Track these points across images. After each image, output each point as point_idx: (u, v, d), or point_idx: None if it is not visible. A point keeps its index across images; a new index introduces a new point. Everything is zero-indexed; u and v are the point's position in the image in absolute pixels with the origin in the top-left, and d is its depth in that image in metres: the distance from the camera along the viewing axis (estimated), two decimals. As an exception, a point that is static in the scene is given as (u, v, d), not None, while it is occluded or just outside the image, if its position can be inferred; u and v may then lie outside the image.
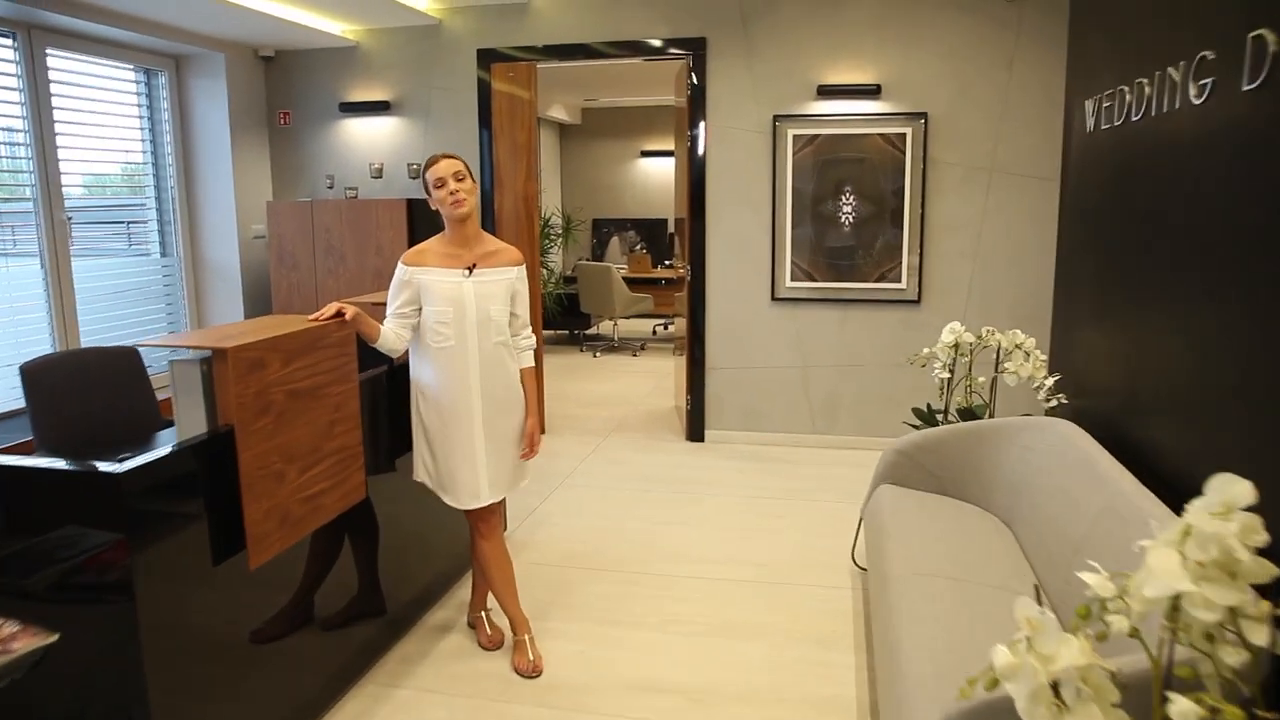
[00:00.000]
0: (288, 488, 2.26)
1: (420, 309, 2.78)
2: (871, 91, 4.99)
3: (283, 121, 5.72)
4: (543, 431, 4.54)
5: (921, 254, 5.10)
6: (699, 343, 5.45)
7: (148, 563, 1.87)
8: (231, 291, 5.54)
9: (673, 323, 9.77)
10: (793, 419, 5.42)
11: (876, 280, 5.18)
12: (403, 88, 5.55)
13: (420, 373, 2.85)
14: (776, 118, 5.13)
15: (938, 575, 2.58)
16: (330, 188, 5.51)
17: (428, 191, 2.76)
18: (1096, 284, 3.35)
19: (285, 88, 5.69)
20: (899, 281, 5.16)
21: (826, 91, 5.04)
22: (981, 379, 3.71)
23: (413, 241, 5.26)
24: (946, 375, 3.67)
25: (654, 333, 10.12)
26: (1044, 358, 3.61)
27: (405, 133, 5.59)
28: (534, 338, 2.99)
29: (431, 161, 2.74)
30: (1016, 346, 3.64)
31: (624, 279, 9.05)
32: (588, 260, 10.72)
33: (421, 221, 5.36)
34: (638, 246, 11.62)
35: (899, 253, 5.13)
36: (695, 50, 5.16)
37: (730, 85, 5.17)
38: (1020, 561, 2.79)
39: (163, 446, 2.00)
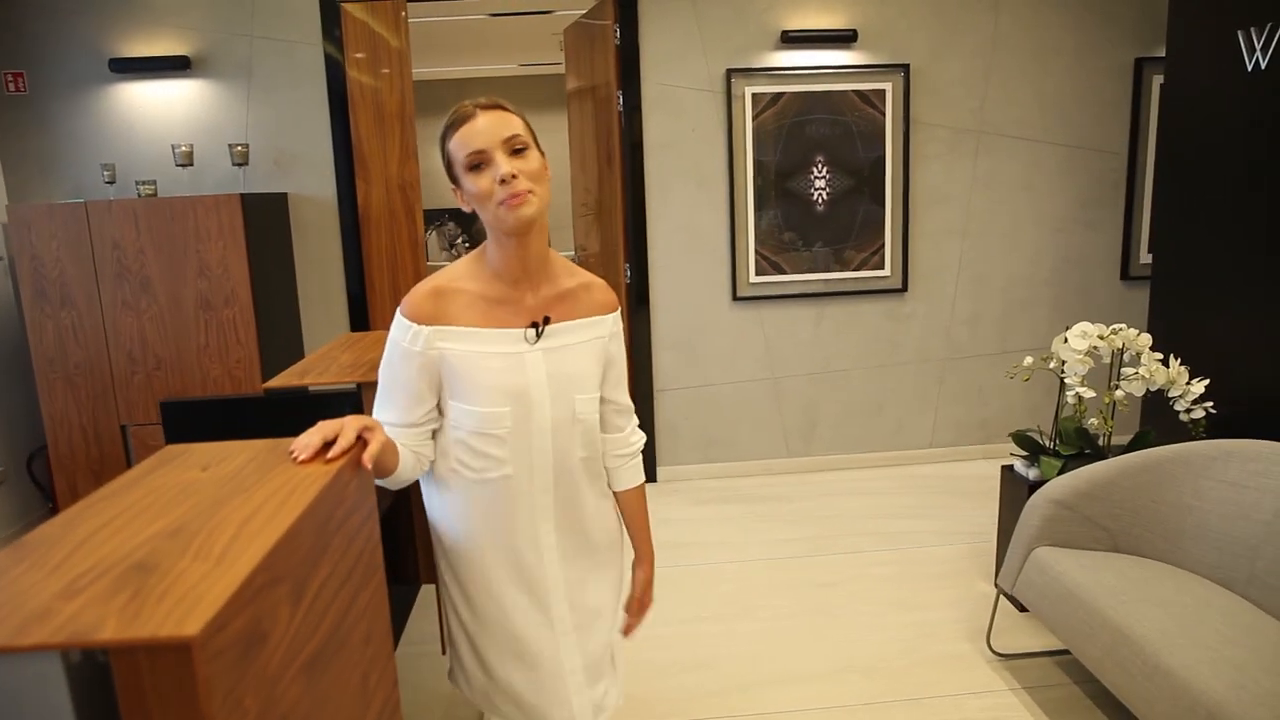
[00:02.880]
0: None
1: (437, 407, 1.49)
2: (846, 38, 4.07)
3: (13, 87, 3.89)
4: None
5: (906, 234, 4.28)
6: (644, 360, 4.32)
7: None
8: (-42, 344, 3.69)
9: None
10: (762, 443, 4.44)
11: (856, 268, 4.30)
12: (207, 37, 3.91)
13: (443, 519, 1.55)
14: (731, 72, 4.08)
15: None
16: (111, 182, 3.78)
17: (454, 178, 1.45)
18: (1243, 266, 2.62)
19: (12, 37, 3.85)
20: (882, 268, 4.31)
21: (792, 39, 4.05)
22: (1088, 392, 2.89)
23: (258, 256, 3.70)
24: (1088, 392, 2.81)
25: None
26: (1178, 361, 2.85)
27: (218, 101, 3.96)
28: (642, 435, 1.71)
29: (457, 119, 1.41)
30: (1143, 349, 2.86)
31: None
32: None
33: (266, 227, 3.79)
34: (459, 240, 10.17)
35: (881, 234, 4.28)
36: (624, -15, 3.99)
37: (670, 31, 4.05)
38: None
39: None
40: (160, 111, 3.93)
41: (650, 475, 4.41)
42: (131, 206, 3.56)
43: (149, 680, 0.71)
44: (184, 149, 3.75)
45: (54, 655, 0.73)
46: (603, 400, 1.59)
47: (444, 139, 1.43)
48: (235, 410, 2.34)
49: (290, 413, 2.29)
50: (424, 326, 1.42)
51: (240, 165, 3.87)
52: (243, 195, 3.59)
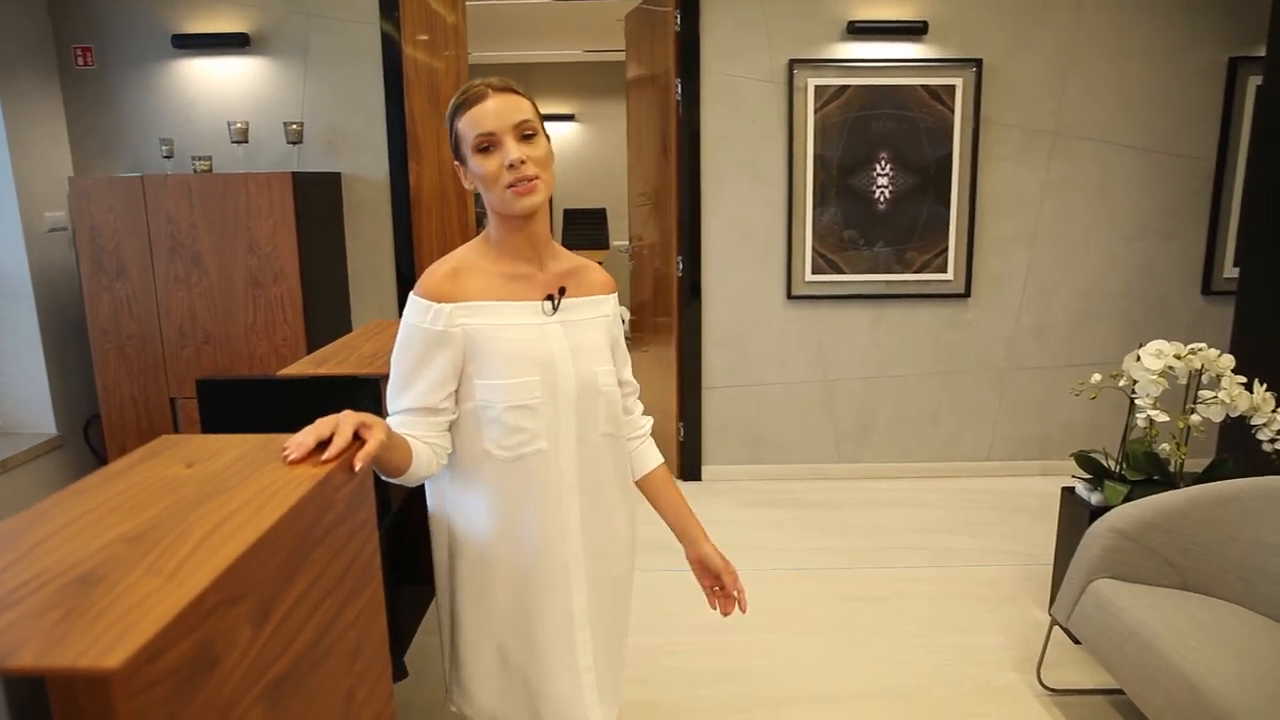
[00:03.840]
0: None
1: (457, 391, 1.44)
2: (916, 30, 3.89)
3: (82, 62, 3.94)
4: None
5: (971, 237, 4.09)
6: (693, 356, 4.21)
7: None
8: (17, 312, 3.75)
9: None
10: (812, 446, 4.30)
11: (917, 271, 4.12)
12: (267, 14, 3.91)
13: (463, 508, 1.48)
14: (794, 63, 3.93)
15: None
16: (169, 157, 3.81)
17: (460, 157, 1.43)
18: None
19: (82, 13, 3.90)
20: (944, 272, 4.13)
21: (859, 30, 3.89)
22: (1161, 416, 2.69)
23: (308, 236, 3.69)
24: (1161, 415, 2.62)
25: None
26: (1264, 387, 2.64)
27: (275, 79, 3.96)
28: (649, 417, 1.72)
29: (468, 98, 1.40)
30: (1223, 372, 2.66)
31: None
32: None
33: (317, 206, 3.78)
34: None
35: (944, 236, 4.10)
36: (687, -30, 3.87)
37: (732, 19, 3.92)
38: None
39: None
40: (219, 88, 3.95)
41: (695, 474, 4.32)
42: (186, 182, 3.58)
43: (73, 712, 0.64)
44: (239, 126, 3.76)
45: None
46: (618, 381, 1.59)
47: (453, 117, 1.43)
48: (270, 391, 2.31)
49: (325, 396, 2.25)
50: (445, 304, 1.39)
51: (295, 143, 3.87)
52: (294, 173, 3.58)
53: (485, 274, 1.44)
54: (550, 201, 1.49)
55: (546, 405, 1.42)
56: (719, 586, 1.68)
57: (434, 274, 1.42)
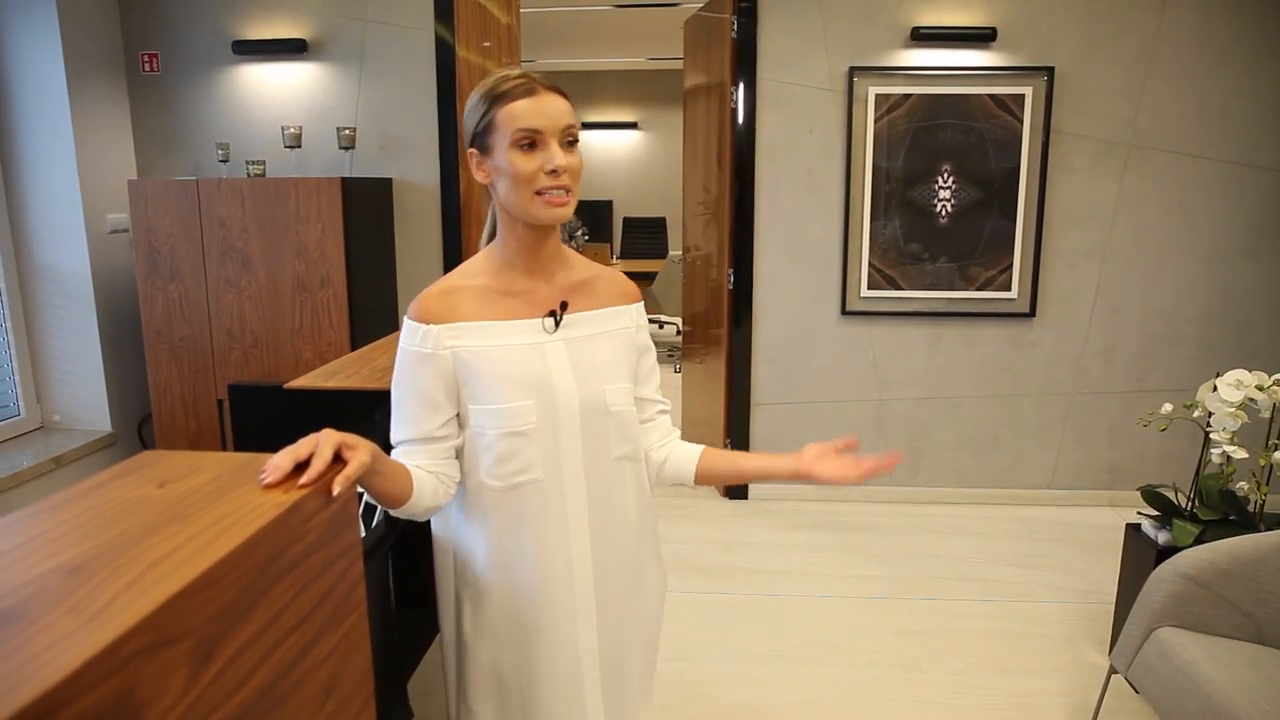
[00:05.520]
0: None
1: (457, 416, 1.36)
2: (984, 37, 3.72)
3: (148, 68, 4.03)
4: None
5: (1038, 253, 3.90)
6: (743, 370, 4.10)
7: None
8: (79, 310, 3.84)
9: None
10: (863, 468, 4.14)
11: (979, 288, 3.95)
12: (325, 21, 3.94)
13: (463, 538, 1.41)
14: (854, 70, 3.80)
15: None
16: (225, 161, 3.86)
17: (484, 146, 1.30)
18: None
19: (150, 19, 3.99)
20: (1008, 289, 3.94)
21: (923, 36, 3.74)
22: (1239, 452, 2.48)
23: (356, 241, 3.70)
24: (1239, 452, 2.43)
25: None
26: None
27: (331, 85, 3.99)
28: (676, 429, 1.57)
29: (515, 89, 1.26)
30: (1310, 403, 2.45)
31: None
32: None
33: (366, 211, 3.79)
34: (578, 232, 10.18)
35: (1009, 252, 3.91)
36: (744, -24, 3.78)
37: (791, 25, 3.81)
38: None
39: None
40: (275, 94, 3.99)
41: (742, 493, 4.20)
42: (239, 186, 3.62)
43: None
44: (293, 130, 3.79)
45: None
46: (639, 399, 1.47)
47: (491, 103, 1.28)
48: (298, 399, 2.29)
49: (348, 407, 2.21)
50: (433, 326, 1.31)
51: (347, 149, 3.89)
52: (344, 179, 3.59)
53: (481, 292, 1.34)
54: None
55: (544, 431, 1.32)
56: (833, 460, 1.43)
57: (426, 294, 1.34)
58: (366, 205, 3.82)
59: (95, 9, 3.82)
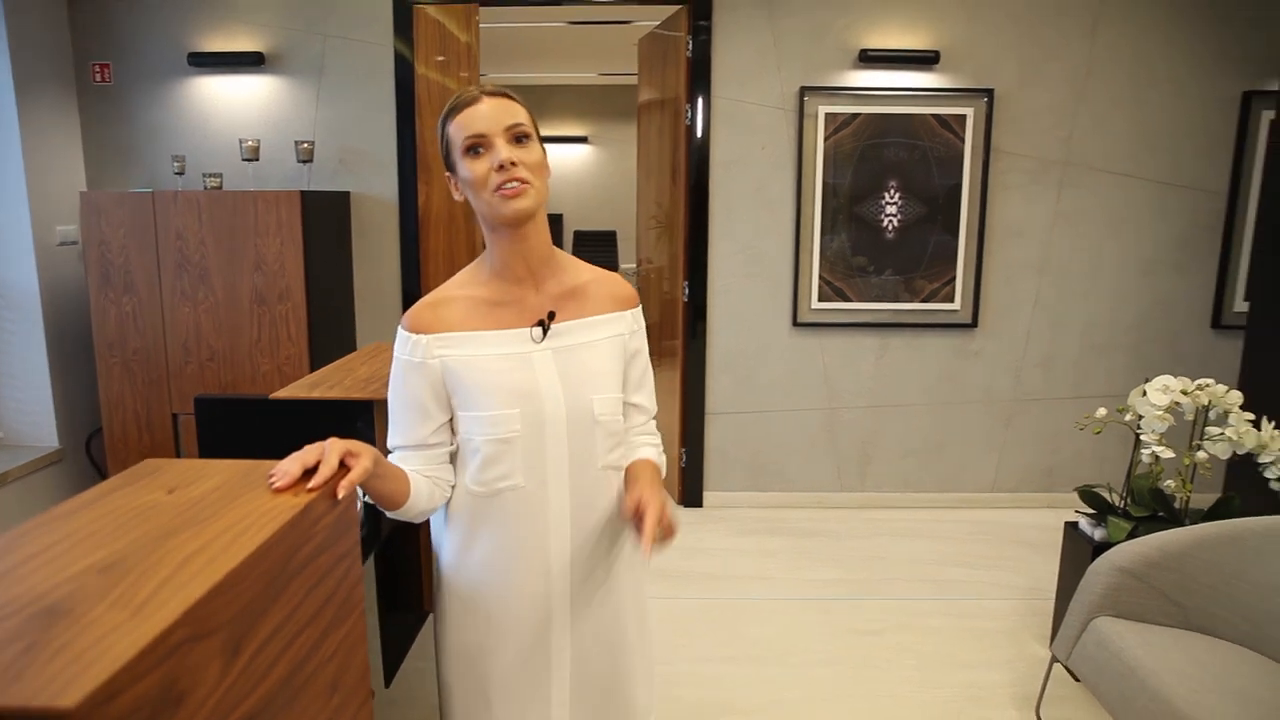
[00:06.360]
0: None
1: (451, 422, 1.41)
2: (928, 60, 3.89)
3: (99, 78, 3.98)
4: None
5: (979, 267, 4.07)
6: (697, 381, 4.20)
7: None
8: (25, 324, 3.78)
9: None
10: (815, 474, 4.27)
11: (925, 300, 4.11)
12: (283, 35, 3.95)
13: (448, 541, 1.46)
14: (805, 90, 3.94)
15: None
16: (180, 173, 3.84)
17: (450, 164, 1.37)
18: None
19: (101, 29, 3.95)
20: (952, 301, 4.11)
21: (870, 58, 3.89)
22: (1167, 452, 2.65)
23: (315, 254, 3.71)
24: (1166, 452, 2.59)
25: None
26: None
27: (288, 98, 3.99)
28: (659, 437, 1.60)
29: (460, 102, 1.34)
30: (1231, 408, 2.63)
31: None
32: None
33: (325, 225, 3.80)
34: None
35: (952, 266, 4.08)
36: (699, -3, 3.90)
37: (744, 46, 3.93)
38: None
39: None
40: (233, 106, 3.98)
41: (696, 500, 4.29)
42: (196, 198, 3.60)
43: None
44: (250, 144, 3.78)
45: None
46: (629, 405, 1.51)
47: (444, 123, 1.36)
48: (267, 411, 2.31)
49: (323, 417, 2.24)
50: (423, 335, 1.36)
51: (305, 162, 3.89)
52: (303, 192, 3.60)
53: (471, 302, 1.38)
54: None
55: (529, 439, 1.36)
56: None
57: (418, 304, 1.39)
58: (325, 218, 3.83)
59: (42, 18, 3.77)
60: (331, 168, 4.02)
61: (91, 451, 4.07)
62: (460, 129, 1.32)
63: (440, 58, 4.05)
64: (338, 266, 4.00)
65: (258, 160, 3.84)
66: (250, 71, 3.95)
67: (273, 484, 1.05)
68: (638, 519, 1.31)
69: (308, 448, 1.12)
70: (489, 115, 1.31)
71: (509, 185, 1.29)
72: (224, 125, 3.99)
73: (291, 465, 1.08)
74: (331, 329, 3.91)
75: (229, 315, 3.66)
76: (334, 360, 3.86)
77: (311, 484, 1.06)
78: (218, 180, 3.77)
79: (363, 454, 1.16)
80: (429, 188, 4.09)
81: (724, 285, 4.12)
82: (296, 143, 3.87)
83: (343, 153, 4.02)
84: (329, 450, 1.12)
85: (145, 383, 3.73)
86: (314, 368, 3.70)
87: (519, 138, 1.33)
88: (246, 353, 3.68)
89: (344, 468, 1.14)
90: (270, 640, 0.91)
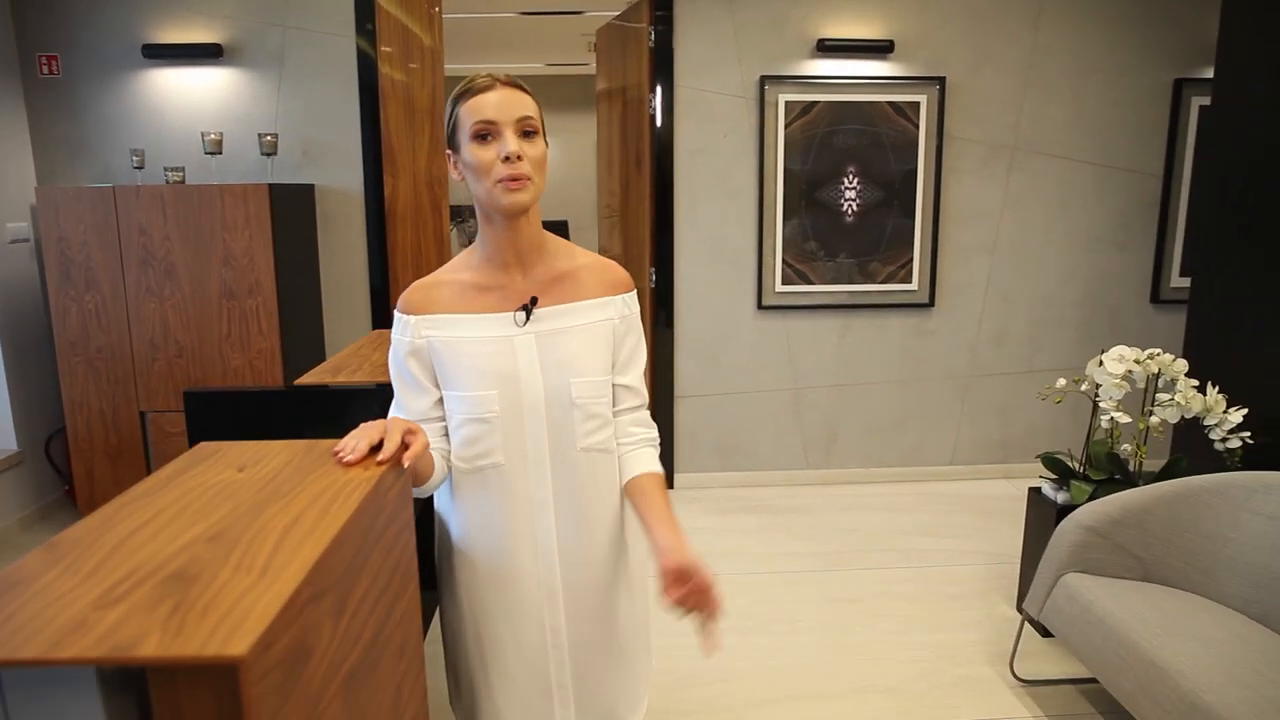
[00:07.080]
0: None
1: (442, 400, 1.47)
2: (883, 49, 4.02)
3: (47, 70, 3.88)
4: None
5: (935, 248, 4.23)
6: (666, 366, 4.28)
7: None
8: (-19, 324, 3.68)
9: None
10: (781, 454, 4.40)
11: (883, 281, 4.25)
12: (241, 26, 3.90)
13: (442, 515, 1.52)
14: (765, 79, 4.04)
15: None
16: (140, 167, 3.77)
17: (454, 144, 1.39)
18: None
19: (47, 20, 3.85)
20: (909, 282, 4.26)
21: (828, 48, 4.01)
22: (1124, 418, 2.83)
23: (283, 247, 3.69)
24: (1124, 417, 2.76)
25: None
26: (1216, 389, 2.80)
27: (248, 91, 3.94)
28: (654, 428, 1.60)
29: (475, 87, 1.36)
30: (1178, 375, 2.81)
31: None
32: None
33: (292, 218, 3.77)
34: (466, 223, 10.20)
35: (909, 248, 4.23)
36: (660, -12, 3.96)
37: (705, 36, 4.01)
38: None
39: None
40: (191, 99, 3.92)
41: (669, 482, 4.37)
42: (159, 193, 3.55)
43: (188, 701, 0.68)
44: (213, 137, 3.74)
45: (89, 669, 0.70)
46: (619, 388, 1.50)
47: (455, 102, 1.38)
48: (258, 403, 2.32)
49: (315, 408, 2.26)
50: (412, 316, 1.41)
51: (269, 155, 3.86)
52: (270, 185, 3.58)
53: (460, 286, 1.42)
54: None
55: (508, 420, 1.40)
56: (692, 600, 1.37)
57: (411, 287, 1.45)
58: (292, 212, 3.81)
59: (-12, 9, 3.66)
60: (295, 160, 3.99)
61: (51, 453, 3.98)
62: (471, 113, 1.34)
63: (394, 49, 4.03)
64: (305, 260, 3.97)
65: (220, 154, 3.80)
66: (208, 64, 3.89)
67: (342, 458, 1.10)
68: (680, 587, 1.33)
69: (367, 425, 1.16)
70: (501, 104, 1.34)
71: (512, 179, 1.33)
72: (182, 118, 3.93)
73: (359, 442, 1.13)
74: (301, 323, 3.89)
75: (197, 310, 3.62)
76: (306, 353, 3.86)
77: (380, 457, 1.11)
78: (180, 174, 3.71)
79: (420, 433, 1.22)
80: (395, 180, 4.08)
81: (689, 271, 4.20)
82: (260, 135, 3.83)
83: (306, 145, 3.99)
84: (391, 428, 1.17)
85: (110, 381, 3.67)
86: (286, 361, 3.68)
87: (527, 132, 1.35)
88: (216, 347, 3.65)
89: (403, 444, 1.19)
90: (362, 602, 0.96)
